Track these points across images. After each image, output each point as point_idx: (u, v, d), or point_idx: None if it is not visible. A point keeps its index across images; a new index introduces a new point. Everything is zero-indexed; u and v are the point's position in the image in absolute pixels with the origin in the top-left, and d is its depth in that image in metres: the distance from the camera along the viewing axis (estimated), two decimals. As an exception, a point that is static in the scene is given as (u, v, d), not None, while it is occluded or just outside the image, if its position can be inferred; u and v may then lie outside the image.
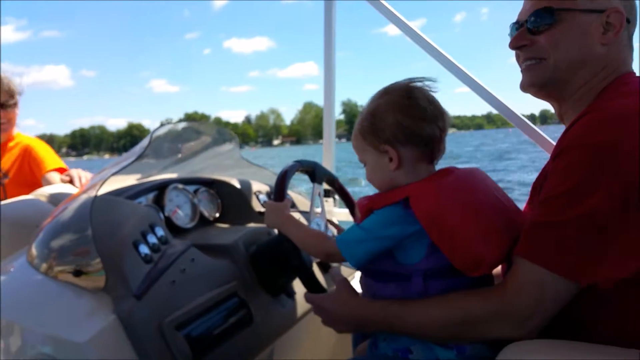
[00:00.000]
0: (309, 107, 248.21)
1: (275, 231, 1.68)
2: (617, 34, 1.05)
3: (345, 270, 1.83)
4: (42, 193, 1.92)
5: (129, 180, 1.72)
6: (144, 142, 1.53)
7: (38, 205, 1.82)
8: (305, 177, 1.58)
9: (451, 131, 1.19)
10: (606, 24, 1.04)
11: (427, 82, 1.10)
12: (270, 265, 1.50)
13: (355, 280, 1.85)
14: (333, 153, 2.36)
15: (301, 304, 1.61)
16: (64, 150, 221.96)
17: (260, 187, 1.94)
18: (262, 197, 1.87)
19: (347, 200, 1.73)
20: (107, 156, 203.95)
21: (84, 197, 1.35)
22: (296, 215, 1.44)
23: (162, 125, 1.53)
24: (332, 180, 1.69)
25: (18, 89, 2.44)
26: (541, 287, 0.92)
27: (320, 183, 1.58)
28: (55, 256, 1.28)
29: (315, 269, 1.78)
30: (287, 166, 1.45)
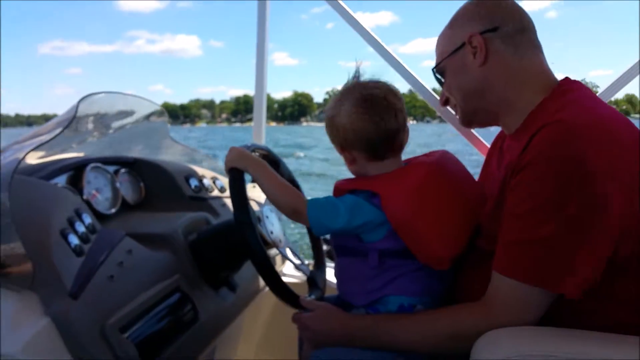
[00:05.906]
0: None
1: (214, 220, 1.55)
2: (484, 52, 1.08)
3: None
4: None
5: (38, 157, 1.46)
6: (69, 113, 1.31)
7: None
8: None
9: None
10: (473, 49, 1.10)
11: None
12: (214, 255, 1.38)
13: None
14: (263, 136, 2.26)
15: (242, 297, 1.51)
16: (224, 116, 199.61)
17: (193, 170, 1.76)
18: (194, 181, 1.70)
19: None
20: (272, 124, 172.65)
21: None
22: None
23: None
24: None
25: None
26: (524, 301, 0.95)
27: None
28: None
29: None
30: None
